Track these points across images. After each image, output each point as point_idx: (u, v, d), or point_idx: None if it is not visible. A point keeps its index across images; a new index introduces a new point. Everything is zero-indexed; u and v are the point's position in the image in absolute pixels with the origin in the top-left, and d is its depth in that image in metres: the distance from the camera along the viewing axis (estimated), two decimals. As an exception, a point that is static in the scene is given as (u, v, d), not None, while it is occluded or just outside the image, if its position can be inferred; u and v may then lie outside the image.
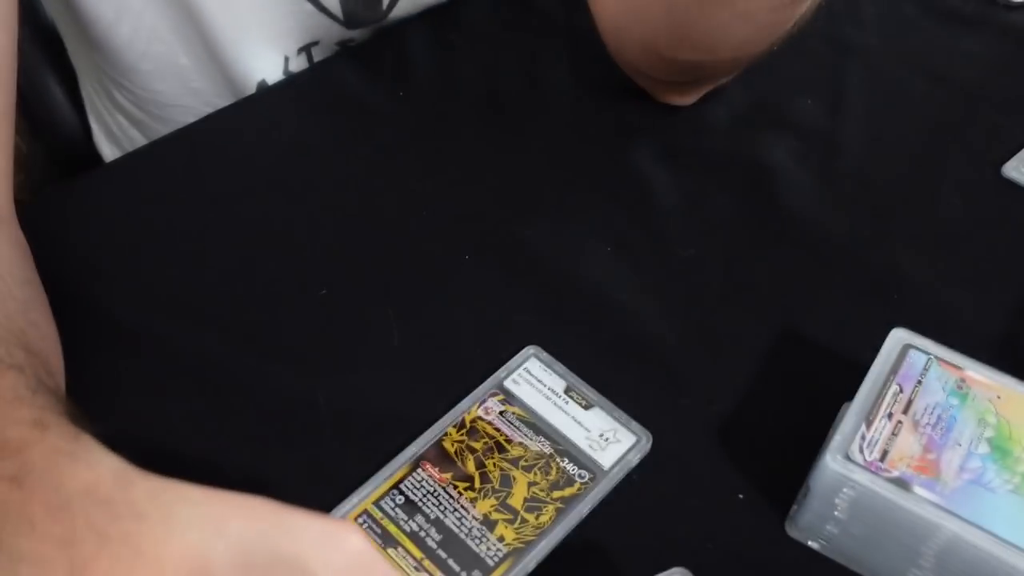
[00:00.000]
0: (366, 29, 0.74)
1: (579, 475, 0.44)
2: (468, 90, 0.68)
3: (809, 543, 0.43)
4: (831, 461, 0.39)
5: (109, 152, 0.82)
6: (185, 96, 0.74)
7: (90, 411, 0.46)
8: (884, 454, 0.39)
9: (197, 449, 0.45)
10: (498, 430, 0.46)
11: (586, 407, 0.47)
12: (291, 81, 0.70)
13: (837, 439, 0.40)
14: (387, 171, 0.61)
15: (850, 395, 0.42)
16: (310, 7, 0.70)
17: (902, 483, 0.38)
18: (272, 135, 0.64)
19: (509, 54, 0.71)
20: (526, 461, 0.45)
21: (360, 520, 0.42)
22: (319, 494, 0.43)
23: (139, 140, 0.79)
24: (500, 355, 0.49)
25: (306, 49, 0.73)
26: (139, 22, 0.68)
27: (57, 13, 0.73)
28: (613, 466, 0.45)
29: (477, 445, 0.45)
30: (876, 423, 0.40)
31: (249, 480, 0.44)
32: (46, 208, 0.58)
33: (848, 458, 0.39)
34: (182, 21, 0.69)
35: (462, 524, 0.42)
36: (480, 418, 0.46)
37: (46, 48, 0.80)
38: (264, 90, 0.69)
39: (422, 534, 0.42)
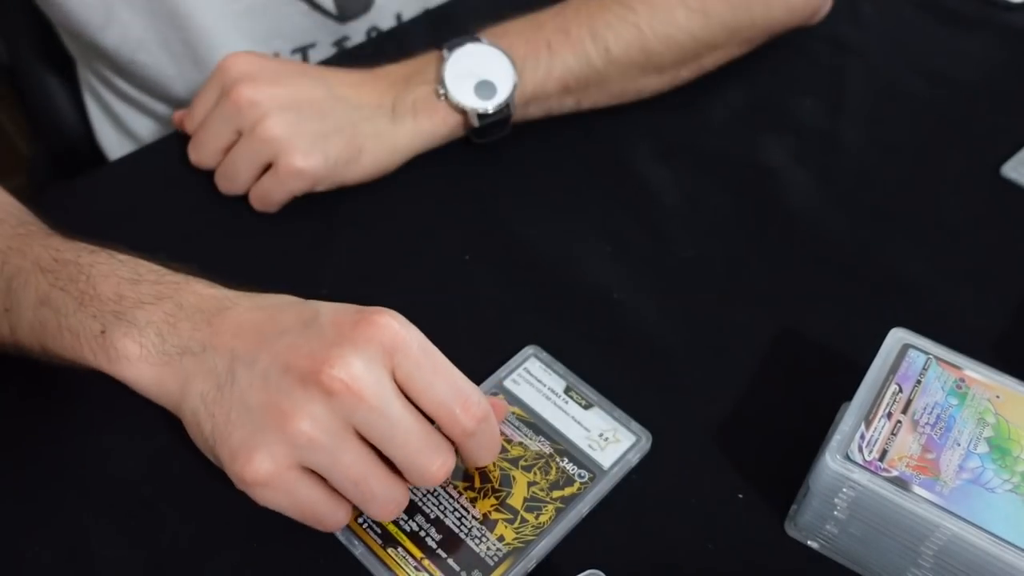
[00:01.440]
0: (359, 27, 0.74)
1: (579, 475, 0.44)
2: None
3: (809, 543, 0.43)
4: (830, 461, 0.39)
5: (113, 139, 0.82)
6: (179, 104, 0.75)
7: (99, 407, 0.47)
8: (883, 454, 0.39)
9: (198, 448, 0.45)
10: (498, 430, 0.46)
11: (586, 407, 0.47)
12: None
13: (836, 439, 0.40)
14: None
15: (849, 395, 0.42)
16: (303, 5, 0.70)
17: (901, 483, 0.38)
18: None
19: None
20: (526, 461, 0.45)
21: (360, 519, 0.42)
22: (320, 494, 0.43)
23: (143, 123, 0.79)
24: (500, 355, 0.49)
25: (302, 51, 0.73)
26: (126, 31, 0.68)
27: (47, 7, 0.73)
28: (613, 466, 0.45)
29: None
30: (875, 423, 0.40)
31: (250, 480, 0.44)
32: (47, 208, 0.58)
33: (848, 458, 0.39)
34: (169, 33, 0.69)
35: (462, 524, 0.42)
36: (480, 418, 0.46)
37: (48, 51, 0.80)
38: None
39: (422, 534, 0.42)
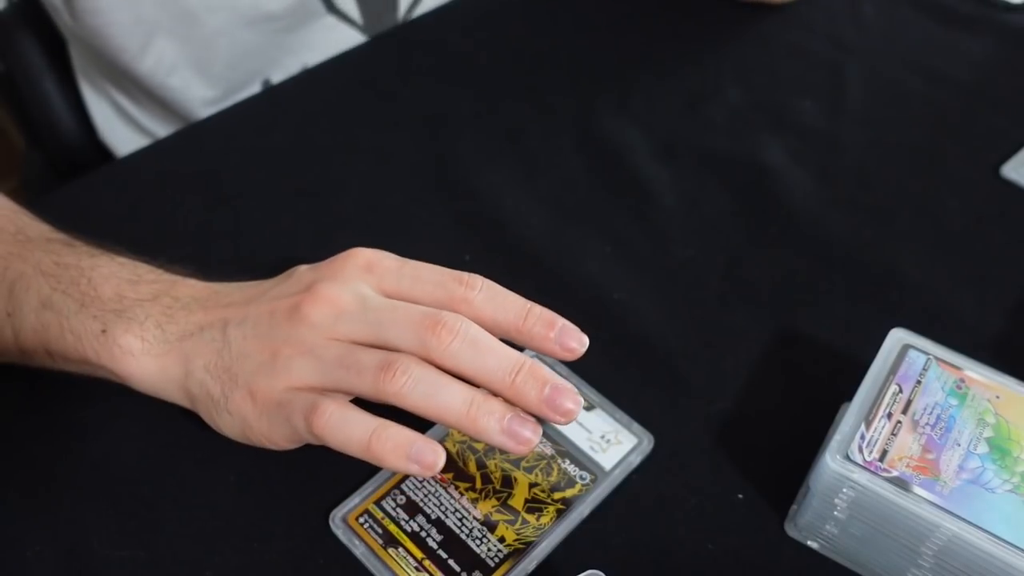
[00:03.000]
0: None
1: (580, 476, 0.44)
2: (467, 91, 0.68)
3: (809, 543, 0.43)
4: (831, 461, 0.39)
5: (120, 133, 0.82)
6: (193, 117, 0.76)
7: (99, 407, 0.47)
8: (883, 454, 0.39)
9: (198, 447, 0.45)
10: (499, 430, 0.46)
11: (587, 408, 0.47)
12: (292, 83, 0.70)
13: (837, 439, 0.40)
14: (387, 171, 0.61)
15: (850, 395, 0.42)
16: (331, 19, 0.72)
17: (901, 483, 0.38)
18: (272, 137, 0.64)
19: (508, 55, 0.71)
20: (527, 462, 0.45)
21: (361, 520, 0.42)
22: (321, 493, 0.43)
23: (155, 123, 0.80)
24: (501, 356, 0.49)
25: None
26: (161, 56, 0.70)
27: (69, 31, 0.74)
28: (614, 468, 0.45)
29: (479, 445, 0.45)
30: (875, 423, 0.40)
31: (250, 478, 0.44)
32: (46, 209, 0.58)
33: (848, 458, 0.39)
34: (200, 55, 0.71)
35: (463, 525, 0.42)
36: (481, 418, 0.46)
37: (48, 57, 0.80)
38: (264, 91, 0.69)
39: (423, 534, 0.42)
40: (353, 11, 0.74)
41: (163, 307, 0.43)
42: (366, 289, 0.40)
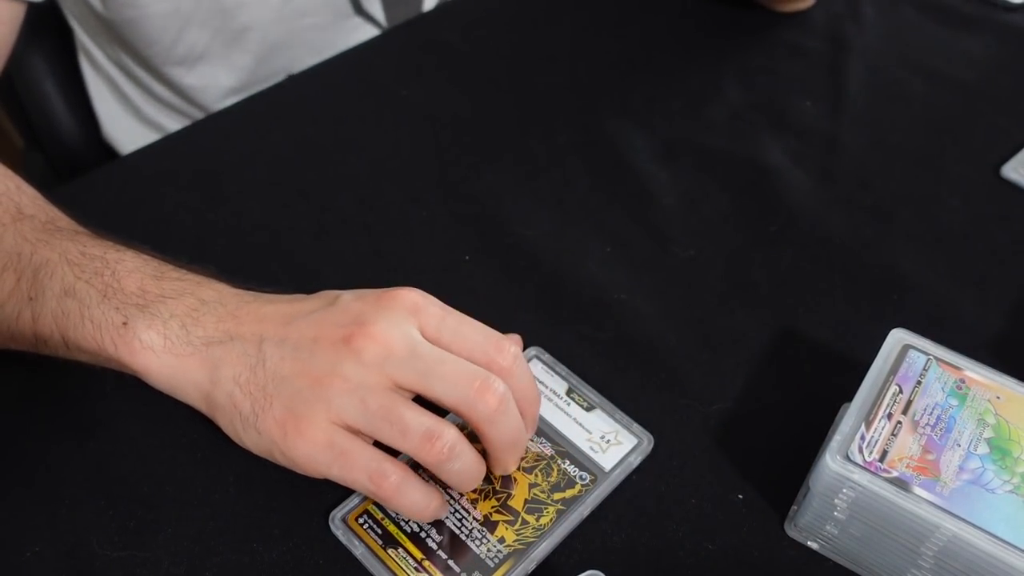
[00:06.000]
0: None
1: (580, 477, 0.44)
2: (468, 91, 0.68)
3: (809, 543, 0.43)
4: (831, 461, 0.39)
5: (124, 125, 0.83)
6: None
7: (98, 406, 0.47)
8: (883, 454, 0.39)
9: (199, 445, 0.45)
10: (499, 431, 0.46)
11: (587, 409, 0.47)
12: (291, 84, 0.70)
13: (837, 439, 0.40)
14: (387, 171, 0.61)
15: (850, 395, 0.42)
16: (359, 20, 0.73)
17: (901, 483, 0.38)
18: (272, 136, 0.64)
19: (508, 55, 0.71)
20: (527, 462, 0.45)
21: (361, 520, 0.42)
22: (321, 493, 0.43)
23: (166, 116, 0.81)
24: (501, 356, 0.49)
25: None
26: (192, 47, 0.72)
27: (93, 21, 0.74)
28: (614, 468, 0.45)
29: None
30: (875, 423, 0.40)
31: (250, 478, 0.44)
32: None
33: (848, 458, 0.39)
34: (230, 47, 0.72)
35: (463, 525, 0.42)
36: (481, 419, 0.46)
37: (48, 58, 0.80)
38: (265, 91, 0.69)
39: (423, 535, 0.42)
40: (379, 13, 0.75)
41: (188, 307, 0.42)
42: (414, 332, 0.41)
